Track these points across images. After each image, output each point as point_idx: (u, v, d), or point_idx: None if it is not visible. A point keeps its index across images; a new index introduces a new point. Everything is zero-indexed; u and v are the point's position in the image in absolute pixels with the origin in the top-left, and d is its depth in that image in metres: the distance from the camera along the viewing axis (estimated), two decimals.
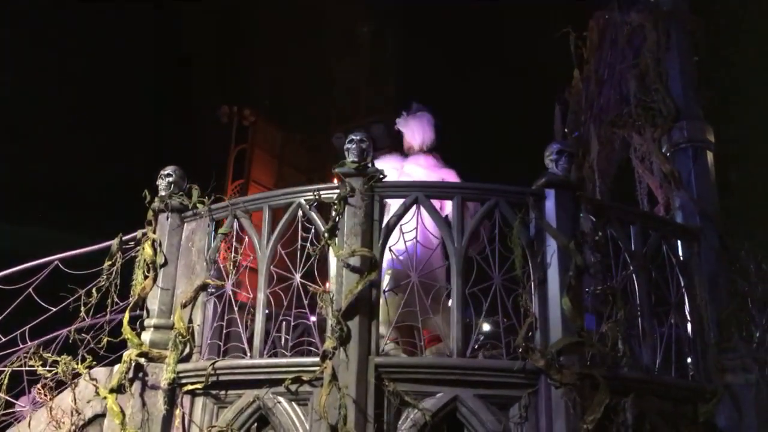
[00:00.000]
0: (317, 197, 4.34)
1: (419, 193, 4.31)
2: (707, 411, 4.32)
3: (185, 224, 4.86)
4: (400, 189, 4.38)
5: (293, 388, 4.04)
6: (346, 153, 4.34)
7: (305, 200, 4.38)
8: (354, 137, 4.35)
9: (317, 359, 3.97)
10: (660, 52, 5.63)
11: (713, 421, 4.38)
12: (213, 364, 4.22)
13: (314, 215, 4.33)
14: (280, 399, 4.10)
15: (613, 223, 4.47)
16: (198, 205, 4.83)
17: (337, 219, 4.21)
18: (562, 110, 7.67)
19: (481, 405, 3.94)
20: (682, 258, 4.78)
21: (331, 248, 4.19)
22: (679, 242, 4.88)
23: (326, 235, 4.17)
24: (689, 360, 4.63)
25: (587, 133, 7.11)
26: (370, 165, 4.31)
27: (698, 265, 4.77)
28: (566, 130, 7.56)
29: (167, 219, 4.85)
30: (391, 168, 4.95)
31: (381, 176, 4.32)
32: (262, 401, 4.13)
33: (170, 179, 4.92)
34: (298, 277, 4.24)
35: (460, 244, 4.20)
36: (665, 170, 5.19)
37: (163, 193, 4.89)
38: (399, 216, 4.28)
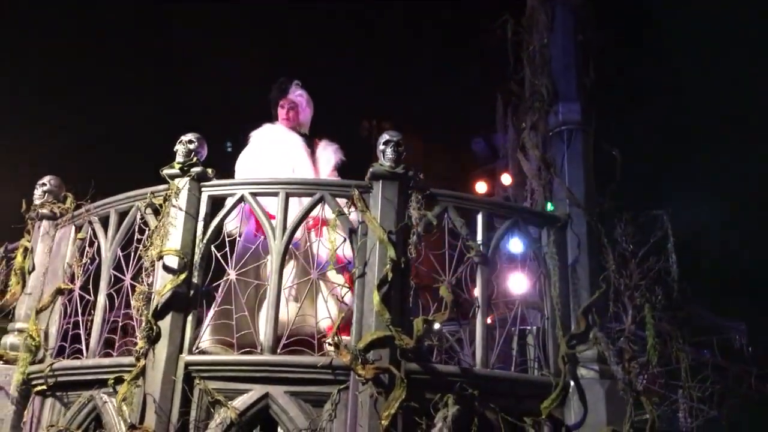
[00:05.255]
0: (151, 199, 4.40)
1: (245, 191, 4.31)
2: (547, 406, 4.11)
3: (57, 231, 5.03)
4: (227, 187, 4.39)
5: (118, 388, 4.11)
6: (175, 154, 4.39)
7: (143, 203, 4.45)
8: (183, 138, 4.39)
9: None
10: (547, 34, 5.40)
11: (559, 416, 4.16)
12: (51, 365, 4.36)
13: (150, 218, 4.40)
14: (110, 399, 4.18)
15: (452, 212, 4.33)
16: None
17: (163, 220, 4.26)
18: (505, 100, 7.45)
19: (291, 402, 3.89)
20: (540, 247, 4.58)
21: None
22: (544, 231, 4.67)
23: (152, 236, 4.23)
24: (544, 353, 4.42)
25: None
26: (197, 165, 4.33)
27: (558, 253, 4.54)
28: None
29: (39, 227, 5.03)
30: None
31: (209, 176, 4.35)
32: (95, 401, 4.23)
33: (44, 188, 5.10)
34: (128, 277, 4.33)
35: (281, 241, 4.18)
36: (536, 155, 4.98)
37: (37, 202, 5.08)
38: (225, 215, 4.29)
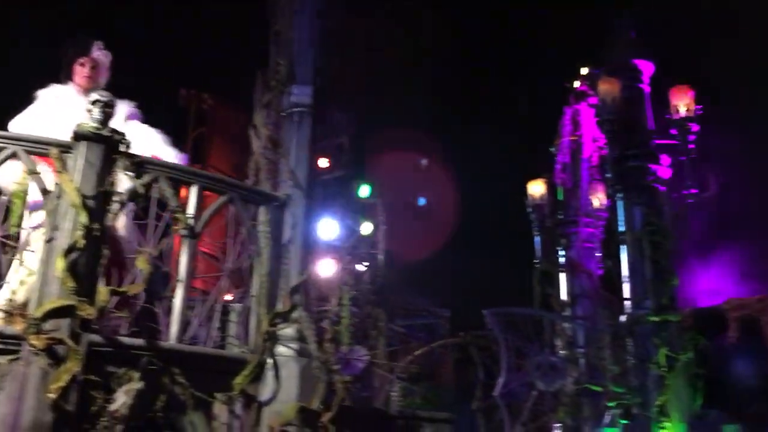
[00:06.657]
0: None
1: (18, 148, 3.86)
2: (240, 382, 4.14)
3: None
4: None
5: None
6: None
7: None
8: None
9: None
10: (290, 15, 5.44)
11: (252, 392, 4.21)
12: None
13: None
14: None
15: (163, 182, 4.19)
16: None
17: None
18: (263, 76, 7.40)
19: None
20: (254, 224, 4.60)
21: None
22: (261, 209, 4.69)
23: None
24: (246, 330, 4.46)
25: None
26: None
27: (272, 232, 4.58)
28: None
29: None
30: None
31: None
32: None
33: None
34: None
35: None
36: (265, 134, 5.01)
37: None
38: None
